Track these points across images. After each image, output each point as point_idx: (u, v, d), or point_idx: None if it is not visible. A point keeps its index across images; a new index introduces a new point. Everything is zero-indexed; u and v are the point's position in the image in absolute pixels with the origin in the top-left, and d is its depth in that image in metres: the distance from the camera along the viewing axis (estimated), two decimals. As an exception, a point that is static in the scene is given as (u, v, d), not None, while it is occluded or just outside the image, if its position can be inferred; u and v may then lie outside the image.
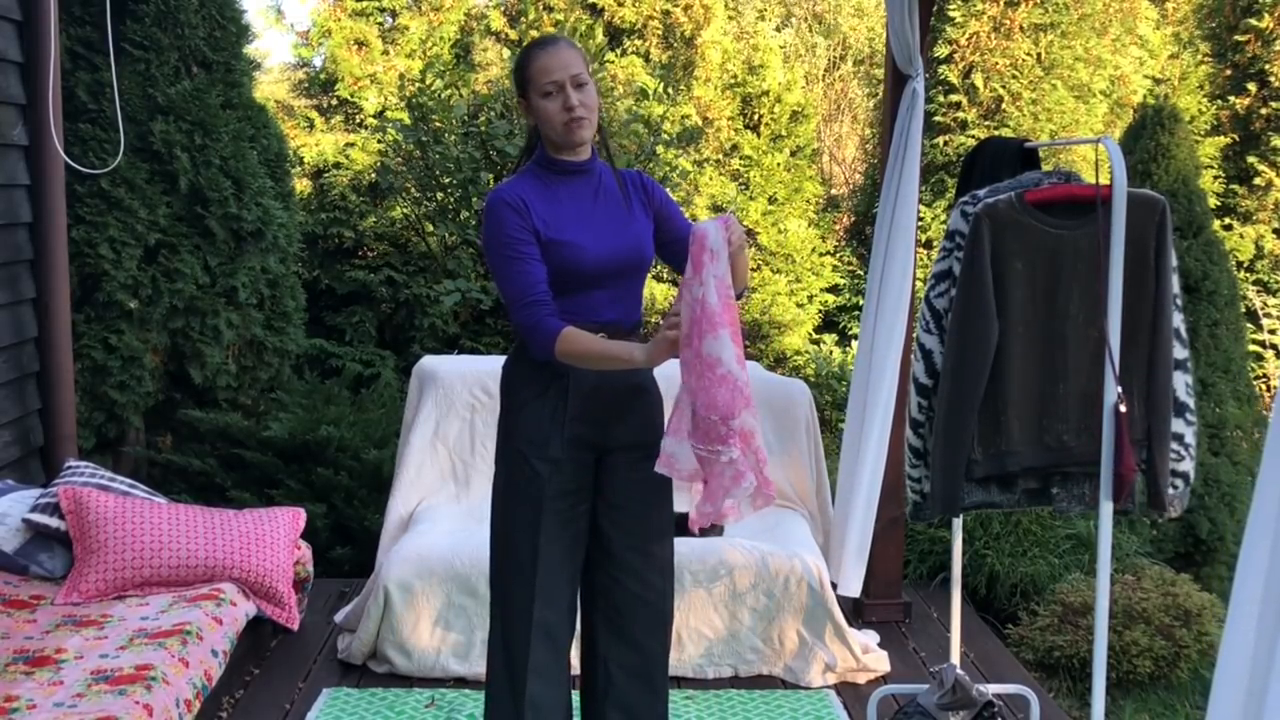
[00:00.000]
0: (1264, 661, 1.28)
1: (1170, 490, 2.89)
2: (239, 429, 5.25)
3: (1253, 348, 8.11)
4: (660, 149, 6.95)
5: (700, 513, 2.39)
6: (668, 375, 3.03)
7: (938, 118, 8.30)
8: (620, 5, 8.79)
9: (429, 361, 4.53)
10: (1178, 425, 2.89)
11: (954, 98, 8.33)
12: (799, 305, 8.89)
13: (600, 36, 8.04)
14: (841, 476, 4.15)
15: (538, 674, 2.66)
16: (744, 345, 2.40)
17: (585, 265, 2.54)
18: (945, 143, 8.31)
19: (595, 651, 2.74)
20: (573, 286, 2.54)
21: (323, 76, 8.11)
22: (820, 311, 9.16)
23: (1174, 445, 2.89)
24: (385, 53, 8.11)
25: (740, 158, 9.12)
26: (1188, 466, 2.92)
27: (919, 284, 4.08)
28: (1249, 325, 7.92)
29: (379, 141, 7.55)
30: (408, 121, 6.83)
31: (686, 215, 8.15)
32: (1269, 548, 1.27)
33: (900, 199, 3.93)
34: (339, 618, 4.09)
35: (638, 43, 8.85)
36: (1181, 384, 2.90)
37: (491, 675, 2.71)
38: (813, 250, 9.12)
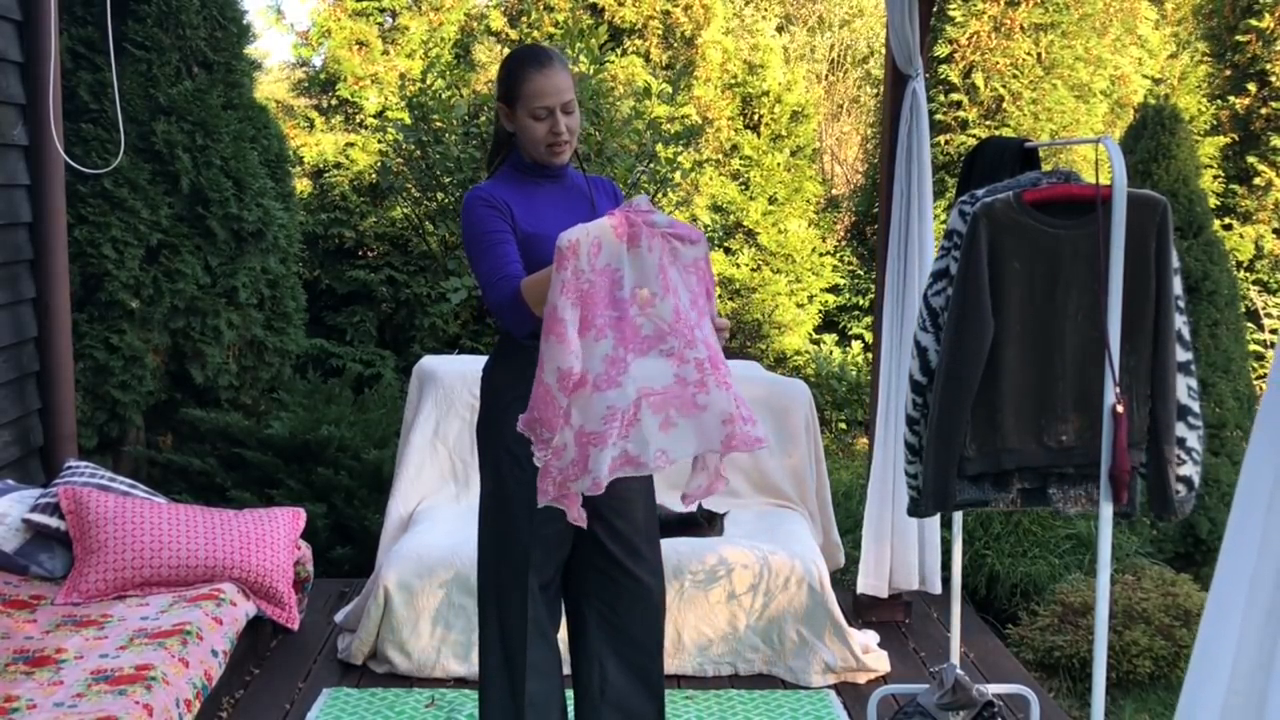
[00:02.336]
0: (1253, 660, 1.26)
1: (1176, 494, 2.88)
2: (239, 429, 5.26)
3: (1253, 348, 8.11)
4: (660, 148, 6.95)
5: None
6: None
7: (938, 117, 8.30)
8: (620, 5, 8.79)
9: (429, 361, 4.54)
10: (1180, 429, 2.87)
11: (954, 97, 8.34)
12: (799, 305, 8.89)
13: (602, 36, 8.04)
14: (875, 481, 4.16)
15: (536, 672, 2.67)
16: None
17: None
18: (945, 142, 8.31)
19: (589, 651, 2.74)
20: None
21: (323, 76, 8.11)
22: (820, 311, 9.16)
23: (1176, 449, 2.88)
24: (385, 53, 8.11)
25: (740, 158, 9.12)
26: (1190, 470, 2.89)
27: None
28: (1249, 325, 7.93)
29: (379, 141, 7.55)
30: (408, 121, 6.84)
31: (686, 215, 8.16)
32: (1256, 541, 1.26)
33: (919, 207, 3.98)
34: (339, 618, 4.09)
35: (638, 43, 8.85)
36: (1184, 387, 2.89)
37: (487, 675, 2.71)
38: (813, 250, 9.13)
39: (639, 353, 2.30)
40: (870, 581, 4.17)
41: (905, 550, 4.12)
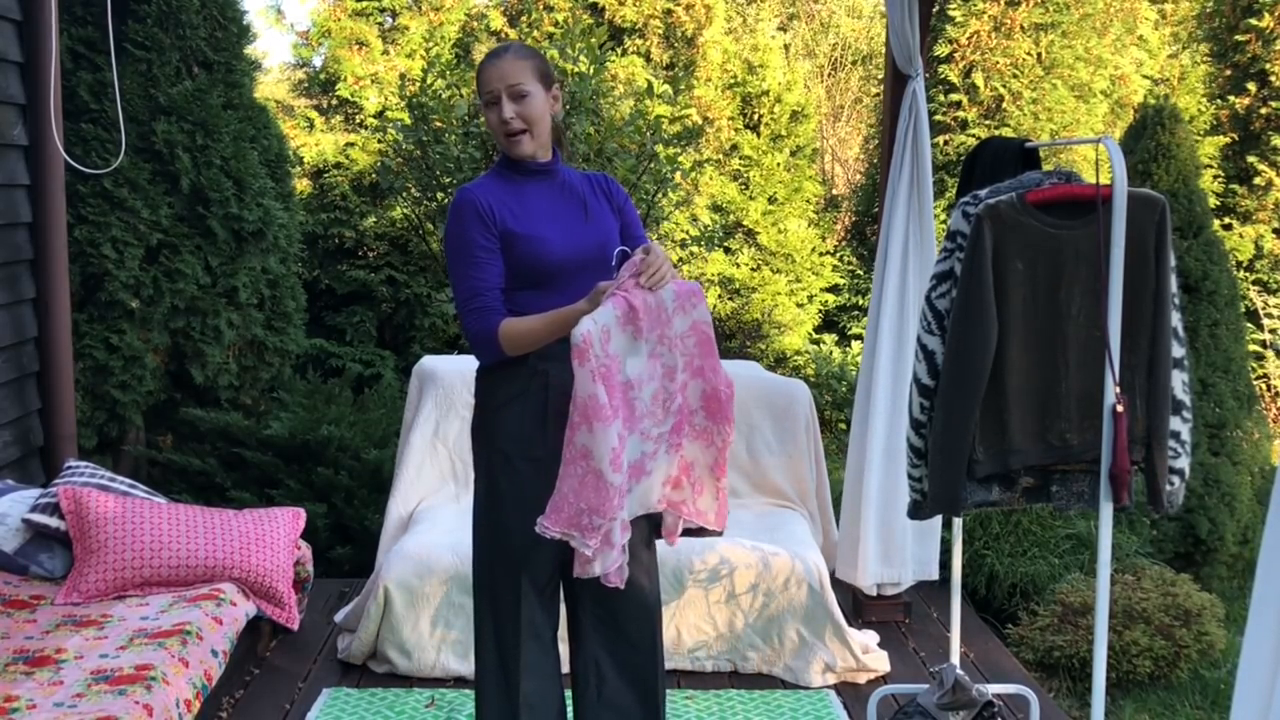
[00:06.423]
0: None
1: (1167, 488, 2.90)
2: (239, 429, 5.26)
3: (1253, 348, 8.11)
4: (660, 148, 6.95)
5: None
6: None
7: (938, 117, 8.30)
8: (621, 4, 8.78)
9: (429, 361, 4.54)
10: (1174, 423, 2.90)
11: (954, 97, 8.33)
12: (799, 305, 8.89)
13: (603, 36, 8.04)
14: (850, 478, 4.17)
15: (531, 672, 2.67)
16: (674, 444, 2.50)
17: (551, 258, 2.56)
18: (945, 142, 8.31)
19: (586, 653, 2.74)
20: (538, 281, 2.56)
21: (323, 76, 8.11)
22: (820, 311, 9.16)
23: (1171, 443, 2.90)
24: (385, 53, 8.10)
25: (740, 158, 9.12)
26: (1184, 463, 2.93)
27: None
28: (1249, 325, 7.93)
29: (379, 141, 7.55)
30: (408, 121, 6.83)
31: (686, 215, 8.15)
32: None
33: (919, 207, 3.99)
34: (339, 618, 4.10)
35: (638, 42, 8.85)
36: (1179, 382, 2.91)
37: (483, 675, 2.71)
38: (813, 250, 9.13)
39: (630, 430, 2.42)
40: (846, 570, 4.21)
41: (867, 543, 4.14)
